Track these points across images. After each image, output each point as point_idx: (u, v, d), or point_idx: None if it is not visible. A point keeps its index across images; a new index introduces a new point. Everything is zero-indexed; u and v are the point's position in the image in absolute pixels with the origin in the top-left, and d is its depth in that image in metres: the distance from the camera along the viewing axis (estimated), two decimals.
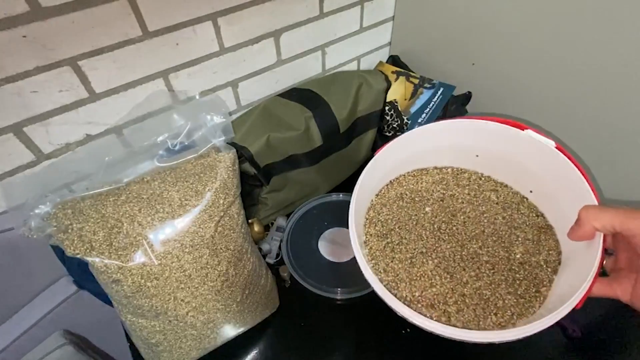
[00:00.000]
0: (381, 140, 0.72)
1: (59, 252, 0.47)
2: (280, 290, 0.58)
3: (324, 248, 0.63)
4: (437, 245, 0.43)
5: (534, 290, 0.39)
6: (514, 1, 0.57)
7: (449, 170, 0.50)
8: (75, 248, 0.37)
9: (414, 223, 0.45)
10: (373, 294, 0.56)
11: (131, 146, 0.56)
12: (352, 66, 0.81)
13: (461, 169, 0.49)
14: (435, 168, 0.50)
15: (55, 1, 0.42)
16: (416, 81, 0.74)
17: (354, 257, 0.62)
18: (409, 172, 0.50)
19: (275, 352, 0.53)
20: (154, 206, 0.40)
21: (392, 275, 0.41)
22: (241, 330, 0.51)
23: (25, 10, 0.40)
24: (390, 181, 0.49)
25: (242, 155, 0.53)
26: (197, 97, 0.58)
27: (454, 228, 0.44)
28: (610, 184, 0.57)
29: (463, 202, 0.47)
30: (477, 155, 0.48)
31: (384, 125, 0.74)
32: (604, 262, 0.33)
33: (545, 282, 0.39)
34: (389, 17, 0.78)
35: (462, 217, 0.45)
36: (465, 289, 0.39)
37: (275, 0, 0.59)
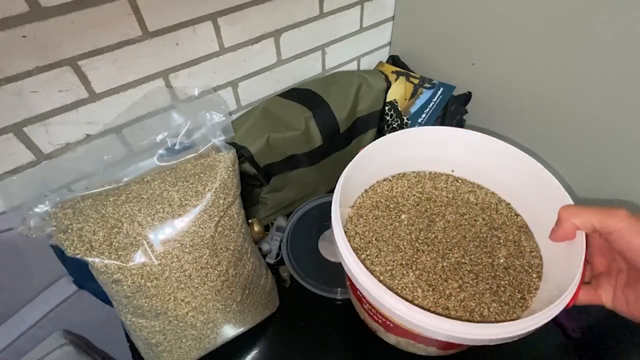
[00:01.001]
0: None
1: (59, 252, 0.47)
2: (280, 290, 0.58)
3: (324, 248, 0.63)
4: (416, 256, 0.41)
5: (518, 297, 0.38)
6: (514, 1, 0.57)
7: (426, 172, 0.48)
8: (75, 248, 0.37)
9: (391, 233, 0.43)
10: None
11: (131, 145, 0.56)
12: (352, 66, 0.81)
13: (437, 173, 0.49)
14: (412, 172, 0.49)
15: (55, 1, 0.41)
16: (416, 81, 0.74)
17: None
18: (384, 178, 0.48)
19: (275, 352, 0.53)
20: (154, 206, 0.40)
21: None
22: (241, 330, 0.51)
23: (25, 10, 0.40)
24: (365, 190, 0.47)
25: (242, 155, 0.53)
26: (196, 94, 0.58)
27: (433, 235, 0.42)
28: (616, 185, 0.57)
29: (441, 205, 0.45)
30: (452, 170, 0.48)
31: (384, 125, 0.74)
32: None
33: (530, 289, 0.38)
34: (389, 17, 0.79)
35: (441, 223, 0.44)
36: (449, 302, 0.38)
37: (275, 0, 0.59)
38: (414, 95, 0.74)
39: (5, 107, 0.44)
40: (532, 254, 0.41)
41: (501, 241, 0.42)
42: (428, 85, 0.73)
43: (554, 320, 0.53)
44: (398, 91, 0.75)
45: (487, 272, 0.40)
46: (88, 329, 0.65)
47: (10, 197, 0.39)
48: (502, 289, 0.38)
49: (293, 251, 0.61)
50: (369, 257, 0.42)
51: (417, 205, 0.45)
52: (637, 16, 0.45)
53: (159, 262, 0.39)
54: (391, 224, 0.44)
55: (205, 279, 0.43)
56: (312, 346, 0.53)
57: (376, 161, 0.45)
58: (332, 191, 0.69)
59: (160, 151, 0.44)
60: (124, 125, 0.55)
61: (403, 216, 0.44)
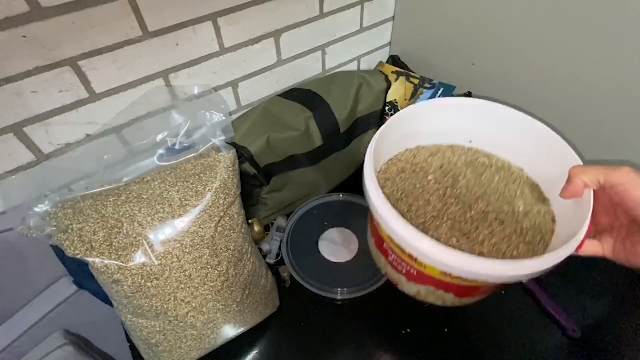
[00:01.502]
0: None
1: (59, 252, 0.47)
2: (280, 290, 0.58)
3: (324, 248, 0.63)
4: (446, 208, 0.44)
5: (539, 238, 0.41)
6: (514, 1, 0.57)
7: (443, 144, 0.51)
8: (75, 248, 0.37)
9: (420, 191, 0.46)
10: (373, 293, 0.56)
11: (131, 145, 0.56)
12: (352, 66, 0.81)
13: (453, 144, 0.51)
14: (431, 144, 0.51)
15: (55, 1, 0.42)
16: (416, 81, 0.74)
17: (354, 258, 0.62)
18: (406, 149, 0.51)
19: (276, 352, 0.53)
20: (154, 206, 0.40)
21: None
22: (241, 330, 0.51)
23: (25, 10, 0.40)
24: (389, 159, 0.50)
25: (242, 155, 0.53)
26: (196, 93, 0.58)
27: (458, 191, 0.46)
28: None
29: (462, 167, 0.49)
30: (470, 141, 0.50)
31: None
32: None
33: (547, 230, 0.42)
34: (389, 17, 0.79)
35: (463, 181, 0.47)
36: (483, 248, 0.40)
37: (275, 0, 0.59)
38: (414, 95, 0.74)
39: (5, 107, 0.44)
40: (545, 203, 0.44)
41: (518, 193, 0.45)
42: (428, 85, 0.73)
43: (554, 320, 0.54)
44: (398, 91, 0.75)
45: (510, 218, 0.43)
46: (88, 329, 0.65)
47: (10, 197, 0.39)
48: (525, 231, 0.42)
49: (293, 251, 0.61)
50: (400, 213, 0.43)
51: (440, 167, 0.49)
52: (638, 16, 0.45)
53: (159, 262, 0.39)
54: (419, 182, 0.47)
55: (205, 279, 0.43)
56: (312, 346, 0.53)
57: (398, 133, 0.48)
58: (332, 191, 0.70)
59: (160, 151, 0.44)
60: (124, 125, 0.55)
61: (430, 177, 0.48)
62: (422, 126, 0.49)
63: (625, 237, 0.34)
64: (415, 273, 0.39)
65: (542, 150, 0.43)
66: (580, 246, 0.34)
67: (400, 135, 0.48)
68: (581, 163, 0.38)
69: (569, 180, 0.36)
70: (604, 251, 0.35)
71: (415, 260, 0.37)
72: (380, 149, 0.45)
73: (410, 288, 0.43)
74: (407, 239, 0.34)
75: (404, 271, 0.41)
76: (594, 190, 0.35)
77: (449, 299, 0.42)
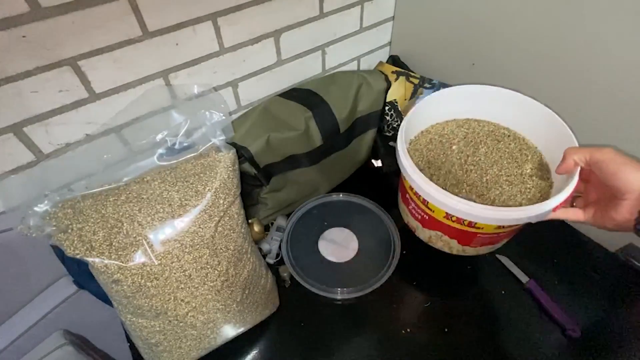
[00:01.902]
0: (381, 140, 0.72)
1: (59, 252, 0.47)
2: (280, 290, 0.58)
3: (324, 248, 0.63)
4: (465, 175, 0.54)
5: (539, 196, 0.51)
6: (514, 1, 0.57)
7: (470, 118, 0.60)
8: (75, 248, 0.37)
9: (443, 160, 0.56)
10: (373, 293, 0.56)
11: (131, 145, 0.56)
12: (352, 66, 0.81)
13: (479, 119, 0.60)
14: (461, 119, 0.60)
15: (55, 1, 0.42)
16: (416, 81, 0.74)
17: (354, 258, 0.63)
18: (437, 122, 0.60)
19: (276, 352, 0.53)
20: (154, 206, 0.40)
21: None
22: (241, 330, 0.51)
23: (25, 10, 0.40)
24: (421, 131, 0.59)
25: (242, 155, 0.53)
26: (196, 92, 0.58)
27: (477, 159, 0.56)
28: None
29: (483, 136, 0.58)
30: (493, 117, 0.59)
31: (384, 125, 0.74)
32: (575, 203, 0.46)
33: (545, 192, 0.51)
34: (389, 17, 0.79)
35: (483, 149, 0.56)
36: (495, 205, 0.49)
37: (275, 0, 0.59)
38: (414, 95, 0.74)
39: (5, 107, 0.44)
40: (547, 168, 0.54)
41: (528, 158, 0.55)
42: (428, 85, 0.73)
43: (553, 320, 0.54)
44: (398, 91, 0.75)
45: (518, 180, 0.53)
46: (88, 329, 0.65)
47: (10, 198, 0.39)
48: (529, 190, 0.52)
49: (293, 251, 0.61)
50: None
51: (465, 137, 0.58)
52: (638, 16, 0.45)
53: (159, 262, 0.39)
54: (444, 152, 0.57)
55: (205, 279, 0.43)
56: (312, 346, 0.53)
57: (432, 110, 0.57)
58: (332, 191, 0.70)
59: (160, 151, 0.44)
60: (124, 125, 0.55)
61: (454, 147, 0.57)
62: (454, 107, 0.58)
63: (604, 206, 0.41)
64: (427, 218, 0.50)
65: (552, 137, 0.52)
66: (556, 208, 0.43)
67: (433, 112, 0.58)
68: (577, 145, 0.47)
69: (563, 159, 0.43)
70: (585, 217, 0.43)
71: (427, 205, 0.48)
72: (414, 121, 0.55)
73: (424, 234, 0.55)
74: (420, 184, 0.45)
75: (420, 218, 0.52)
76: (587, 171, 0.43)
77: (454, 246, 0.53)
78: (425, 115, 0.56)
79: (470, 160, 0.55)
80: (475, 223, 0.45)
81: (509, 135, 0.57)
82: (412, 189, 0.48)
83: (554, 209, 0.43)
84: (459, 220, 0.46)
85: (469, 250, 0.53)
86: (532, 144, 0.56)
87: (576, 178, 0.43)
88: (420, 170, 0.47)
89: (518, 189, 0.52)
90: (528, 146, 0.56)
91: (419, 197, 0.48)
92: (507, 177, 0.53)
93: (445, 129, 0.59)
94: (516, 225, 0.47)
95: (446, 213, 0.46)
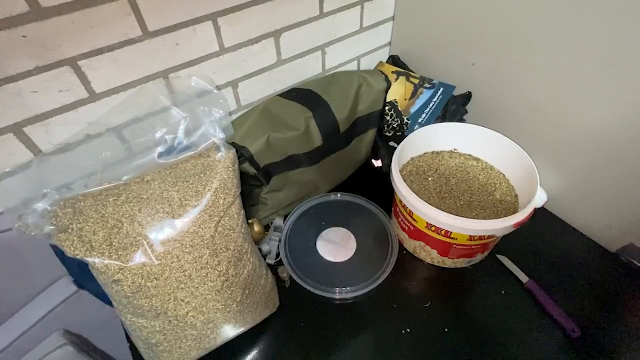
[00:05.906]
0: (381, 140, 0.72)
1: (59, 252, 0.47)
2: (280, 290, 0.58)
3: (323, 248, 0.63)
4: (442, 201, 0.61)
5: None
6: (514, 2, 0.57)
7: (443, 151, 0.68)
8: (75, 249, 0.37)
9: (422, 189, 0.63)
10: (372, 293, 0.56)
11: (130, 143, 0.56)
12: (352, 66, 0.81)
13: (449, 151, 0.68)
14: (433, 151, 0.68)
15: (55, 1, 0.42)
16: (416, 81, 0.74)
17: (352, 257, 0.64)
18: (417, 155, 0.68)
19: (275, 352, 0.53)
20: (154, 206, 0.40)
21: None
22: (241, 330, 0.51)
23: (25, 10, 0.40)
24: (403, 164, 0.66)
25: (242, 155, 0.53)
26: (196, 91, 0.57)
27: (450, 188, 0.63)
28: None
29: (454, 168, 0.66)
30: (455, 149, 0.68)
31: (384, 125, 0.74)
32: None
33: (514, 211, 0.58)
34: (389, 17, 0.79)
35: (453, 180, 0.64)
36: None
37: (275, 0, 0.59)
38: (414, 95, 0.74)
39: (5, 107, 0.45)
40: (514, 193, 0.61)
41: (496, 186, 0.63)
42: (428, 85, 0.73)
43: (553, 320, 0.54)
44: (398, 91, 0.75)
45: (488, 204, 0.60)
46: (88, 329, 0.65)
47: (9, 198, 0.39)
48: (500, 212, 0.59)
49: (291, 251, 0.61)
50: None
51: (437, 170, 0.66)
52: (638, 16, 0.45)
53: (159, 262, 0.39)
54: (421, 183, 0.64)
55: (205, 279, 0.43)
56: (312, 346, 0.53)
57: (411, 146, 0.64)
58: (332, 191, 0.70)
59: (160, 149, 0.44)
60: (124, 125, 0.55)
61: (429, 179, 0.64)
62: (429, 141, 0.67)
63: None
64: (412, 229, 0.57)
65: (513, 162, 0.61)
66: (517, 224, 0.50)
67: (414, 146, 0.65)
68: (536, 170, 0.55)
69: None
70: None
71: (412, 215, 0.55)
72: (402, 154, 0.62)
73: (409, 244, 0.62)
74: (405, 195, 0.53)
75: (406, 229, 0.59)
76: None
77: (435, 257, 0.59)
78: (408, 149, 0.64)
79: (445, 189, 0.62)
80: (451, 233, 0.52)
81: (477, 167, 0.66)
82: (401, 201, 0.55)
83: (515, 225, 0.49)
84: (437, 230, 0.53)
85: (448, 262, 0.59)
86: (499, 173, 0.64)
87: (536, 201, 0.51)
88: None
89: (491, 211, 0.59)
90: (495, 175, 0.64)
91: (405, 208, 0.55)
92: (479, 203, 0.60)
93: (421, 160, 0.67)
94: (485, 237, 0.52)
95: (427, 222, 0.53)
